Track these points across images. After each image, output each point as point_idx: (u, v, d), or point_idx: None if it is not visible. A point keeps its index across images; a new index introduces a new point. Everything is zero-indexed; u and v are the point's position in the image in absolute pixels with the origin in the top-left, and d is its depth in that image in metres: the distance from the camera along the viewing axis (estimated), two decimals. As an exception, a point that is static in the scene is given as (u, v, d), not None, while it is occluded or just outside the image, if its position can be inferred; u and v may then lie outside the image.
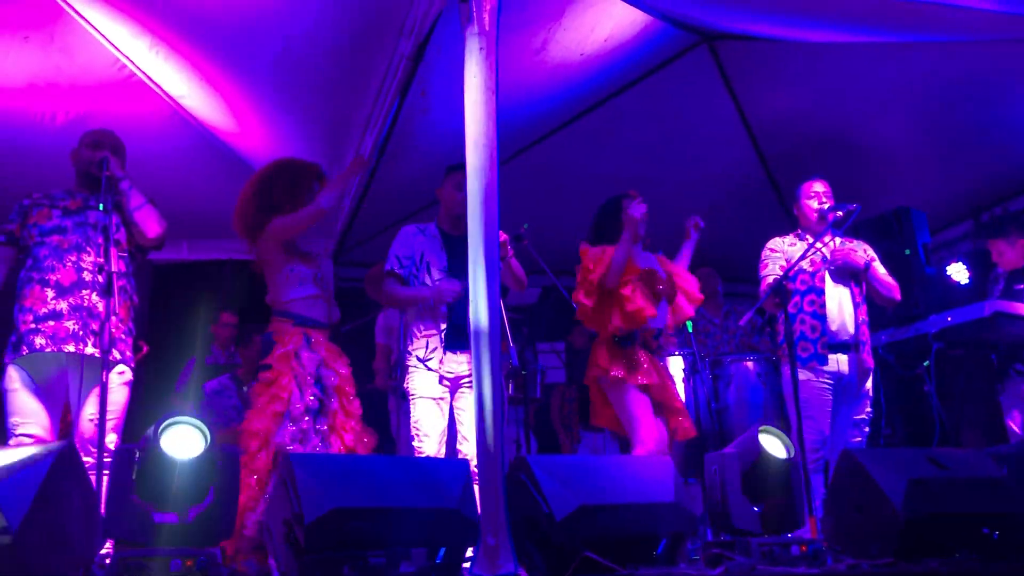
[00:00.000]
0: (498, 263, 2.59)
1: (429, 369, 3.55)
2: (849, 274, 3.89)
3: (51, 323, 3.15)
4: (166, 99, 4.00)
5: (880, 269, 3.96)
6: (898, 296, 3.95)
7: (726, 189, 5.16)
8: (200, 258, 5.11)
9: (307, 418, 3.18)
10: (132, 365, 3.36)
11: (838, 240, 3.91)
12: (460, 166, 3.68)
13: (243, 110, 4.07)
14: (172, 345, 5.18)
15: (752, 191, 5.22)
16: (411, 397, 3.58)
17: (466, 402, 3.58)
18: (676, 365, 4.26)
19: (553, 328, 5.52)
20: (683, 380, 4.26)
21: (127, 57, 3.74)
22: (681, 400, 3.75)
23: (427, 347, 3.57)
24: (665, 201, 4.21)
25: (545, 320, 5.45)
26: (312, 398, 3.20)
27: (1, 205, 3.47)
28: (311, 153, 4.02)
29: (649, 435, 3.51)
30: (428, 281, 3.64)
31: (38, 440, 3.10)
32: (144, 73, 3.84)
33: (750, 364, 4.35)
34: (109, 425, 3.11)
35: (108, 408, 3.06)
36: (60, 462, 2.21)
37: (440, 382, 3.58)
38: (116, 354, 3.24)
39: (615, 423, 3.66)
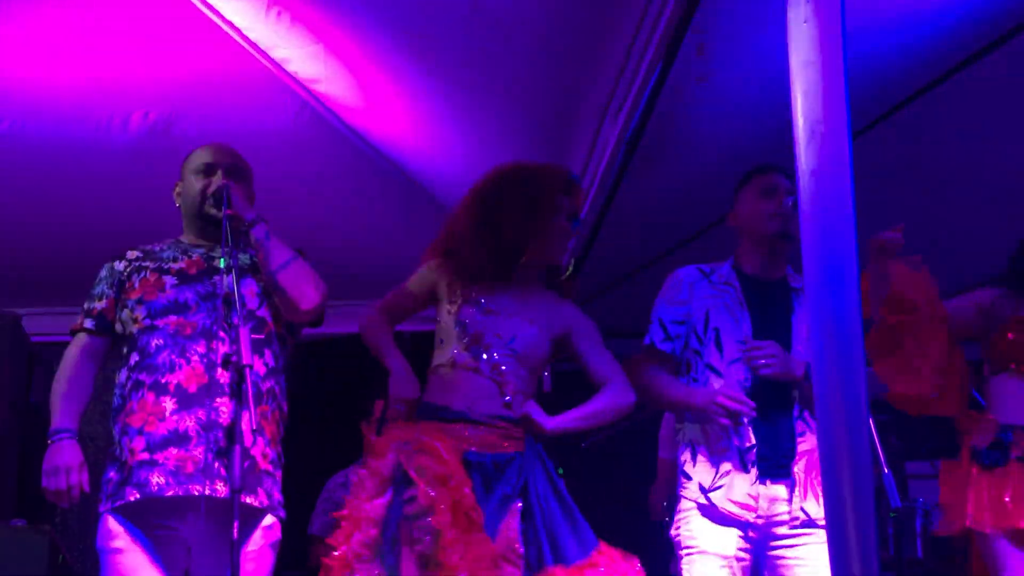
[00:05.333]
0: (860, 328, 2.47)
1: (714, 505, 3.52)
2: None
3: (173, 450, 3.25)
4: (293, 85, 4.21)
5: None
6: None
7: None
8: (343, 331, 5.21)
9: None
10: (283, 515, 3.42)
11: None
12: (769, 168, 3.75)
13: (403, 100, 4.25)
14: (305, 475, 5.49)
15: None
16: (682, 552, 3.58)
17: (792, 573, 3.52)
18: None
19: (939, 438, 5.22)
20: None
21: (231, 25, 3.93)
22: None
23: (716, 471, 3.55)
24: None
25: (925, 424, 5.14)
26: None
27: (67, 270, 3.83)
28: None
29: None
30: (717, 361, 3.60)
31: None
32: (258, 48, 4.04)
33: None
34: None
35: None
36: None
37: (739, 529, 3.51)
38: (261, 496, 3.32)
39: None
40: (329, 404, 5.65)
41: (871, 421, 2.97)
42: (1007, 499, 3.60)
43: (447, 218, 3.72)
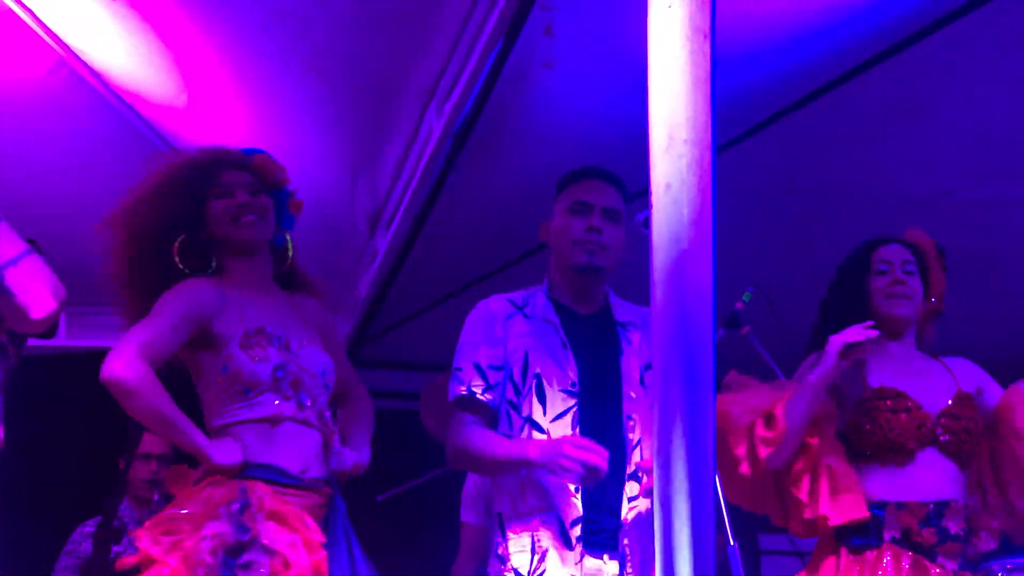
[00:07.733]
0: (711, 370, 2.37)
1: None
2: None
3: None
4: (52, 43, 4.07)
5: None
6: None
7: None
8: (90, 344, 5.19)
9: None
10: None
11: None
12: (588, 172, 3.66)
13: (182, 68, 4.16)
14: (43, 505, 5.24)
15: None
16: None
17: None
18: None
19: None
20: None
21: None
22: None
23: (532, 550, 3.45)
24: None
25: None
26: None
27: None
28: (323, 156, 4.14)
29: None
30: (540, 415, 3.45)
31: None
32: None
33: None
34: None
35: None
36: None
37: None
38: None
39: None
40: (63, 434, 5.39)
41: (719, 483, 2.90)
42: None
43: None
